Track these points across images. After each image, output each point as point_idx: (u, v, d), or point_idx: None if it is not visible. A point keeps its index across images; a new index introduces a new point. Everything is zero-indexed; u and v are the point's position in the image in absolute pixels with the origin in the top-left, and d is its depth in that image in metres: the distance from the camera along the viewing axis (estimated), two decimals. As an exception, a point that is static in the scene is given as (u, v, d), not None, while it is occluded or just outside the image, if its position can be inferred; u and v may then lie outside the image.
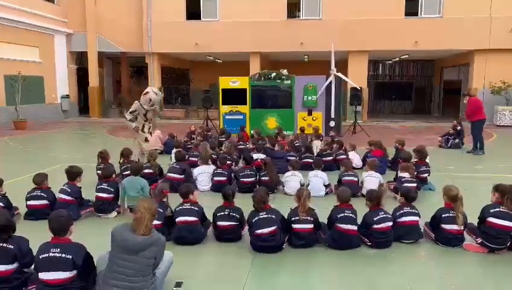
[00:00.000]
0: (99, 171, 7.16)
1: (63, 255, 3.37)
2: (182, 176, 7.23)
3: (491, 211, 4.68)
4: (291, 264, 4.45)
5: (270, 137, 9.89)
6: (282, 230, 4.73)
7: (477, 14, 18.11)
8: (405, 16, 18.88)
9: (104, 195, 5.90)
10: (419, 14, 19.12)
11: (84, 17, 20.79)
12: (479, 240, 4.70)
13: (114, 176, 6.63)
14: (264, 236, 4.59)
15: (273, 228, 4.60)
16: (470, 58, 19.28)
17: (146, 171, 7.40)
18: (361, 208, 5.01)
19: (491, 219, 4.64)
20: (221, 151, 8.98)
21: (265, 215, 4.66)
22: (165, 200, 5.12)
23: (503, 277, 4.22)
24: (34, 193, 5.78)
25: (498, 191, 4.80)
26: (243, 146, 10.25)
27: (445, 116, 21.65)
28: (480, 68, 18.75)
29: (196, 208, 4.96)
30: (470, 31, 18.06)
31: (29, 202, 5.76)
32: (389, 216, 4.88)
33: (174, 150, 9.09)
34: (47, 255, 3.39)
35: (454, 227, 4.75)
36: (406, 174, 6.81)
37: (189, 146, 10.06)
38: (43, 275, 3.37)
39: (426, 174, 7.42)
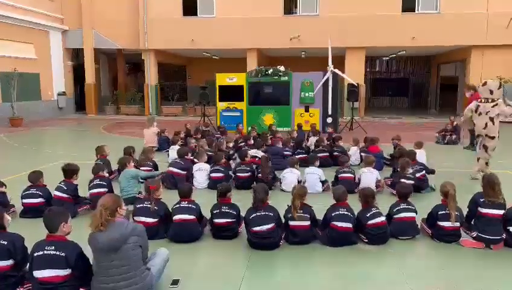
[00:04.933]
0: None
1: (57, 253, 3.34)
2: (184, 172, 7.23)
3: (481, 200, 4.76)
4: (288, 260, 4.45)
5: (266, 137, 9.87)
6: (279, 227, 4.73)
7: (474, 10, 18.11)
8: (402, 11, 18.86)
9: (97, 190, 5.90)
10: (416, 10, 19.10)
11: (80, 14, 20.67)
12: (474, 234, 4.72)
13: (106, 173, 6.60)
14: (261, 233, 4.58)
15: (270, 225, 4.59)
16: (466, 54, 19.28)
17: (143, 168, 7.40)
18: (358, 204, 5.02)
19: (481, 209, 4.73)
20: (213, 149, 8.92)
21: (263, 213, 4.64)
22: (160, 197, 5.09)
23: (499, 272, 4.23)
24: (29, 191, 5.75)
25: (483, 180, 4.91)
26: (242, 143, 10.24)
27: (442, 112, 21.68)
28: (477, 64, 18.77)
29: (193, 206, 4.95)
30: (466, 27, 18.06)
31: (24, 200, 5.73)
32: (381, 212, 4.89)
33: (172, 147, 9.08)
34: (41, 253, 3.35)
35: (450, 224, 4.76)
36: (404, 171, 6.80)
37: (182, 143, 10.00)
38: (38, 273, 3.33)
39: (419, 173, 6.99)
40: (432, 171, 7.45)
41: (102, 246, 3.29)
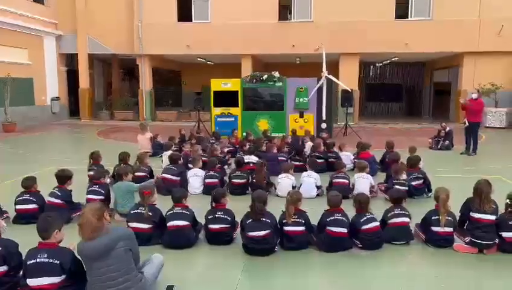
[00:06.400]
0: (91, 172, 7.13)
1: (51, 260, 3.33)
2: (178, 178, 7.21)
3: (473, 205, 4.81)
4: (283, 266, 4.45)
5: (261, 142, 9.88)
6: (275, 233, 4.73)
7: (466, 17, 18.34)
8: (395, 18, 19.04)
9: (94, 197, 5.86)
10: (409, 16, 19.30)
11: (74, 19, 20.62)
12: (468, 239, 4.76)
13: (107, 179, 6.56)
14: (257, 239, 4.59)
15: (267, 231, 4.60)
16: (459, 60, 19.48)
17: (138, 173, 7.39)
18: (352, 209, 5.05)
19: (472, 214, 4.78)
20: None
21: (260, 219, 4.65)
22: (154, 203, 5.07)
23: (492, 277, 4.27)
24: (23, 197, 5.73)
25: (474, 188, 4.95)
26: (232, 148, 10.26)
27: (435, 118, 21.85)
28: (469, 70, 18.96)
29: (187, 212, 4.94)
30: (459, 34, 18.27)
31: (18, 206, 5.70)
32: (375, 217, 4.92)
33: (165, 152, 9.05)
34: (34, 261, 3.34)
35: (444, 229, 4.79)
36: (398, 176, 6.83)
37: (176, 149, 9.98)
38: (32, 281, 3.32)
39: (417, 182, 6.92)
40: (429, 185, 7.07)
41: (92, 254, 3.26)
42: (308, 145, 10.01)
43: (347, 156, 8.97)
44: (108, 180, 6.46)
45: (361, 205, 4.95)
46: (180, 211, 4.92)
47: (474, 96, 11.09)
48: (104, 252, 3.25)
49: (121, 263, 3.32)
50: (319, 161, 8.50)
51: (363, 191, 6.06)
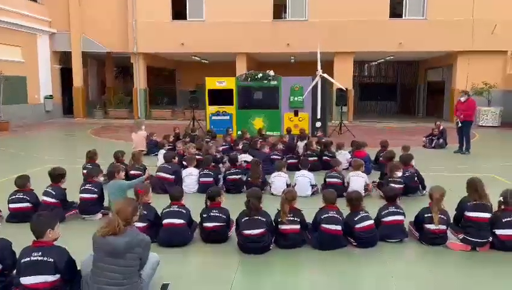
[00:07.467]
0: (85, 171, 7.09)
1: (45, 259, 3.31)
2: (173, 177, 7.20)
3: (468, 204, 4.85)
4: (279, 264, 4.46)
5: (255, 142, 9.88)
6: (270, 232, 4.74)
7: (460, 17, 18.45)
8: (390, 17, 19.11)
9: (88, 195, 5.84)
10: (403, 15, 19.38)
11: (68, 17, 20.47)
12: (461, 236, 4.79)
13: (101, 177, 6.52)
14: (252, 237, 4.59)
15: (262, 229, 4.60)
16: (453, 59, 19.60)
17: (133, 172, 7.37)
18: (347, 208, 5.06)
19: (467, 213, 4.81)
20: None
21: (255, 217, 4.66)
22: (149, 201, 5.06)
23: (486, 274, 4.30)
24: (16, 196, 5.69)
25: (466, 184, 5.01)
26: (226, 146, 10.25)
27: (429, 117, 21.97)
28: (463, 69, 19.08)
29: (184, 211, 4.94)
30: (453, 33, 18.38)
31: (11, 205, 5.66)
32: (369, 215, 4.94)
33: (161, 151, 9.03)
34: (28, 259, 3.32)
35: (438, 227, 4.82)
36: (393, 174, 6.85)
37: (170, 147, 9.95)
38: (25, 280, 3.30)
39: (410, 180, 6.92)
40: (422, 183, 7.09)
41: (108, 249, 3.28)
42: (300, 144, 10.02)
43: (344, 155, 8.99)
44: (101, 179, 6.42)
45: (354, 203, 4.96)
46: (177, 209, 4.92)
47: (463, 99, 11.16)
48: (120, 252, 3.28)
49: (130, 267, 3.34)
50: (311, 159, 8.50)
51: (357, 189, 6.08)
